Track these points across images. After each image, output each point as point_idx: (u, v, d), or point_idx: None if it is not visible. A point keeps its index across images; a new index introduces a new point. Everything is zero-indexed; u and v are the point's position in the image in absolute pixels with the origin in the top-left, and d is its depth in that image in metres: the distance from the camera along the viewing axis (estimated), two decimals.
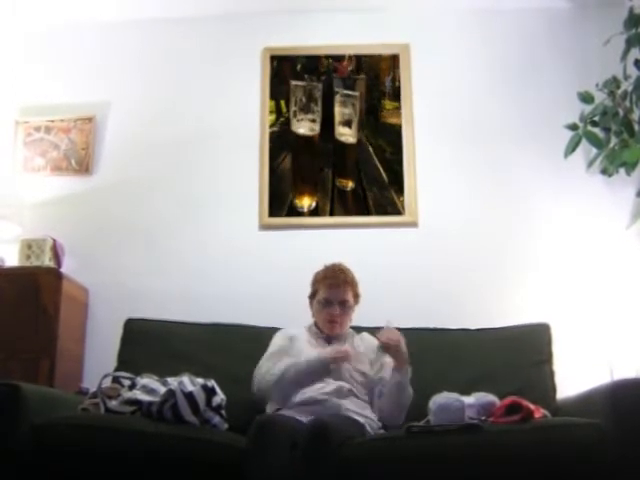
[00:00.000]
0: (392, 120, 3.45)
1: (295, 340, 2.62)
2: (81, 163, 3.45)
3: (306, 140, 3.45)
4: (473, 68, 3.50)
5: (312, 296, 2.71)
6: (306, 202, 3.36)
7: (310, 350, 2.55)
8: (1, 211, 3.21)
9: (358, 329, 2.74)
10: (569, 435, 2.02)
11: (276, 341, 2.66)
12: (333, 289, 2.62)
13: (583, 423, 2.06)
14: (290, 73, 3.51)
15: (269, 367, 2.50)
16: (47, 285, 2.98)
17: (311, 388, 2.43)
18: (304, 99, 3.46)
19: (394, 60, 3.51)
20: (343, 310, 2.62)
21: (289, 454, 1.98)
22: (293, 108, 3.46)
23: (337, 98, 3.47)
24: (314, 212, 3.35)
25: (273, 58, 3.52)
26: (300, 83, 3.49)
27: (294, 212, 3.35)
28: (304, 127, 3.44)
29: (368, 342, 2.67)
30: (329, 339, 2.63)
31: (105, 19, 3.57)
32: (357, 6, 3.51)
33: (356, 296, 2.68)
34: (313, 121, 3.44)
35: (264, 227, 3.33)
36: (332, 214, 3.34)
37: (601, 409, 2.07)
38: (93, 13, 3.54)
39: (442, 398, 2.13)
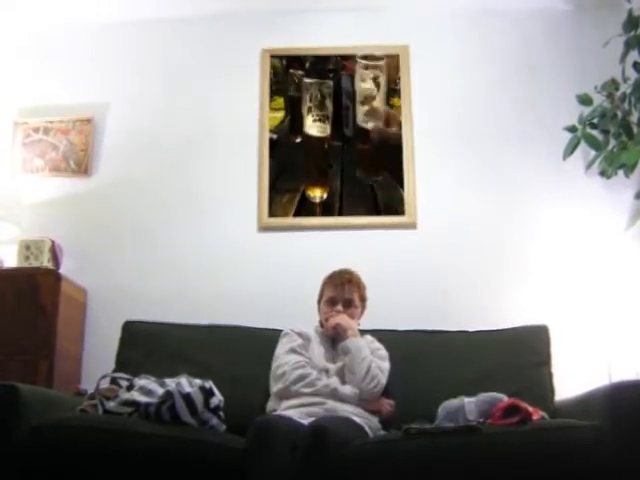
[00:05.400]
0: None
1: (306, 338, 2.60)
2: (80, 164, 3.45)
3: (317, 138, 3.43)
4: (472, 70, 3.50)
5: (320, 300, 2.71)
6: (317, 199, 3.35)
7: (320, 350, 2.56)
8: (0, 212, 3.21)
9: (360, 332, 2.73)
10: (567, 437, 2.01)
11: (287, 339, 2.62)
12: (338, 287, 2.64)
13: (581, 425, 2.05)
14: (298, 70, 3.49)
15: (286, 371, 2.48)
16: (46, 286, 2.98)
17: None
18: (319, 96, 3.44)
19: (399, 59, 3.49)
20: (347, 310, 2.62)
21: (288, 456, 1.98)
22: (308, 104, 3.44)
23: (345, 96, 3.45)
24: (325, 210, 3.33)
25: (281, 56, 3.51)
26: (311, 80, 3.47)
27: (304, 211, 3.33)
28: (316, 125, 3.42)
29: (371, 344, 2.67)
30: (335, 341, 2.61)
31: (103, 20, 3.57)
32: (355, 6, 3.51)
33: (362, 299, 2.68)
34: (325, 119, 3.42)
35: (263, 228, 3.33)
36: (341, 213, 3.33)
37: (599, 411, 2.06)
38: (91, 14, 3.54)
39: (450, 403, 2.13)
